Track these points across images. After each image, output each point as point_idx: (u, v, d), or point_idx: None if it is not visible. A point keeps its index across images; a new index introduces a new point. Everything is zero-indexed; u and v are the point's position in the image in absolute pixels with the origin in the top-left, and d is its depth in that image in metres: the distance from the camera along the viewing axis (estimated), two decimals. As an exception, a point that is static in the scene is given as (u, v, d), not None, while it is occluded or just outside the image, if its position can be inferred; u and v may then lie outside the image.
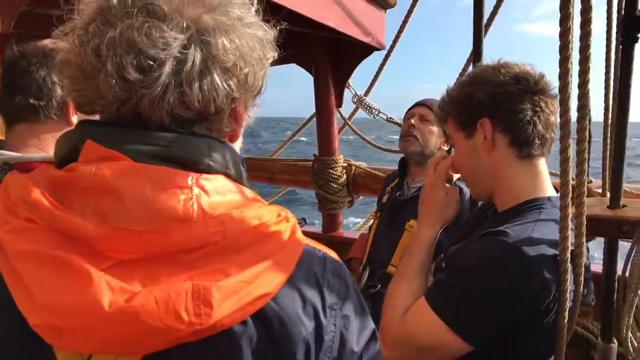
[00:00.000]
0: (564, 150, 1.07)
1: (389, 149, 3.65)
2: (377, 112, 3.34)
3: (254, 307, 0.53)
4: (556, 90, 1.07)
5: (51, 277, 0.50)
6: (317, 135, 3.26)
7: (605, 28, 1.60)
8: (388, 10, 2.96)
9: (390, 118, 3.32)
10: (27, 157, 1.12)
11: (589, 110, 1.16)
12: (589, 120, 1.23)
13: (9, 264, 0.52)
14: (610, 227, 1.45)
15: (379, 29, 2.85)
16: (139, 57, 0.55)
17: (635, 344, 1.55)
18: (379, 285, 1.97)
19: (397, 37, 3.16)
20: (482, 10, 1.49)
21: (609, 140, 1.69)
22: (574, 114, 1.07)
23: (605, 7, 1.54)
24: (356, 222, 6.82)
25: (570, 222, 1.06)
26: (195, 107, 0.59)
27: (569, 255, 1.03)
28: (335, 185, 3.19)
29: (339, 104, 3.26)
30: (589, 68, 1.05)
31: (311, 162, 3.30)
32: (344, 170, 3.23)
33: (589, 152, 1.17)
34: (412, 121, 2.10)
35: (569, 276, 1.04)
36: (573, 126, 1.08)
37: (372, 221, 2.41)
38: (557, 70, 1.04)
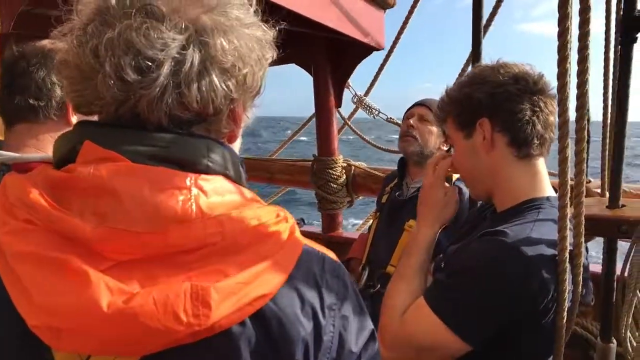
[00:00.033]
0: (562, 150, 1.07)
1: (388, 149, 3.65)
2: (377, 112, 3.34)
3: (252, 308, 0.53)
4: (555, 90, 1.07)
5: (49, 278, 0.50)
6: (317, 136, 3.26)
7: (604, 28, 1.60)
8: (388, 10, 2.96)
9: (390, 118, 3.32)
10: (26, 158, 1.12)
11: (588, 110, 1.16)
12: (588, 120, 1.24)
13: (8, 265, 0.52)
14: (609, 227, 1.45)
15: (378, 29, 2.85)
16: (137, 58, 0.55)
17: (634, 344, 1.55)
18: (378, 285, 1.97)
19: (398, 37, 3.16)
20: (482, 11, 1.49)
21: (607, 140, 1.69)
22: (572, 114, 1.07)
23: (604, 7, 1.54)
24: (356, 223, 6.82)
25: (568, 222, 1.06)
26: (193, 108, 0.59)
27: (567, 255, 1.04)
28: (335, 186, 3.19)
29: (339, 104, 3.26)
30: (587, 68, 1.05)
31: (310, 162, 3.30)
32: (344, 171, 3.23)
33: (587, 152, 1.17)
34: (411, 121, 2.10)
35: (568, 276, 1.04)
36: (572, 126, 1.08)
37: (371, 221, 2.41)
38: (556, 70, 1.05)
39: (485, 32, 1.92)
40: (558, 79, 1.04)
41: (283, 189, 4.14)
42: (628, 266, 1.49)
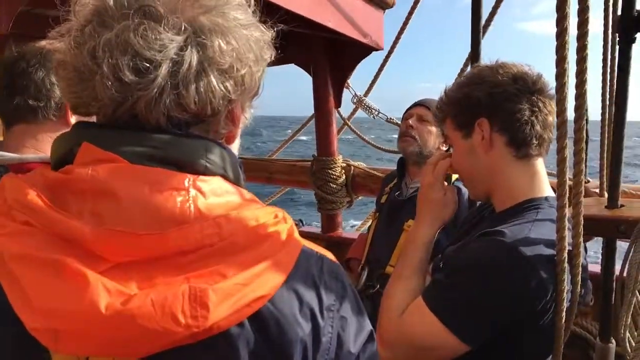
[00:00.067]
0: (561, 150, 1.07)
1: (388, 149, 3.65)
2: (376, 113, 3.33)
3: (251, 309, 0.53)
4: (554, 90, 1.07)
5: (48, 280, 0.50)
6: (316, 136, 3.26)
7: (602, 28, 1.60)
8: (387, 10, 2.96)
9: (390, 118, 3.31)
10: (24, 158, 1.12)
11: (586, 110, 1.16)
12: (587, 120, 1.24)
13: (6, 267, 0.52)
14: (608, 227, 1.45)
15: (377, 30, 2.85)
16: (135, 59, 0.54)
17: (633, 344, 1.55)
18: (378, 286, 1.97)
19: (398, 37, 3.16)
20: (481, 11, 1.49)
21: (606, 140, 1.70)
22: (571, 114, 1.08)
23: (602, 8, 1.54)
24: (355, 224, 6.81)
25: (567, 222, 1.06)
26: (191, 109, 0.59)
27: (566, 255, 1.04)
28: (334, 186, 3.19)
29: (338, 105, 3.26)
30: (586, 68, 1.05)
31: (310, 163, 3.30)
32: (343, 171, 3.23)
33: (586, 152, 1.17)
34: (410, 121, 2.10)
35: (566, 276, 1.04)
36: (570, 126, 1.08)
37: (370, 221, 2.41)
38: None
39: (484, 32, 1.92)
40: (557, 78, 1.04)
41: (282, 189, 4.14)
42: (627, 266, 1.49)
